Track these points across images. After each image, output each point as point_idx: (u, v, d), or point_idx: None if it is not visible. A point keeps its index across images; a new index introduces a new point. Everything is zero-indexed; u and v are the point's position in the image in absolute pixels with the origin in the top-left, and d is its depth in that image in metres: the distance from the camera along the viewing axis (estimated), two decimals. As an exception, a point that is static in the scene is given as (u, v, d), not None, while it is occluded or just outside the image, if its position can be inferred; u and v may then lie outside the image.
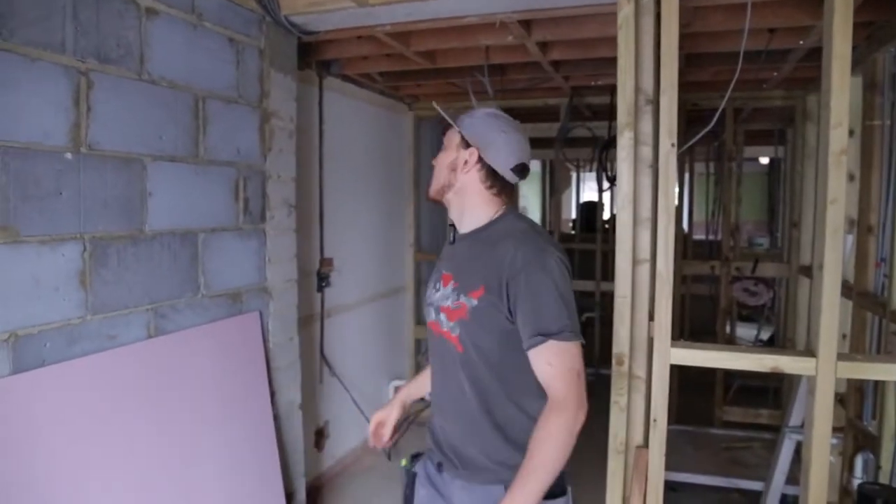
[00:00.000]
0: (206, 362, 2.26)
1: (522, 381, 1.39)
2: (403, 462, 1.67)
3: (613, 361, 1.81)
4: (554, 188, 7.90)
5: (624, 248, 1.76)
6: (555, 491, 1.33)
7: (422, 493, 1.58)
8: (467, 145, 1.48)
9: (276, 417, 2.63)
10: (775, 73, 3.44)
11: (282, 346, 2.74)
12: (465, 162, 1.47)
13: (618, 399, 1.81)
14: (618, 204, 1.78)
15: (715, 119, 2.03)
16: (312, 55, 3.28)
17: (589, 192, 10.34)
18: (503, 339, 1.39)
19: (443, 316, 1.48)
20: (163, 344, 2.10)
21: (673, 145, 1.70)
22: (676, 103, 1.68)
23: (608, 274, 6.39)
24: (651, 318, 1.76)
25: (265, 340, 2.61)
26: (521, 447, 1.33)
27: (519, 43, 2.91)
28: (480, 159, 1.47)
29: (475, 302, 1.39)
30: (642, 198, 1.82)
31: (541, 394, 1.36)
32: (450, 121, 1.53)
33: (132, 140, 1.98)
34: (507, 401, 1.42)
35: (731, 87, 1.96)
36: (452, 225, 1.57)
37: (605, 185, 4.38)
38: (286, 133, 2.75)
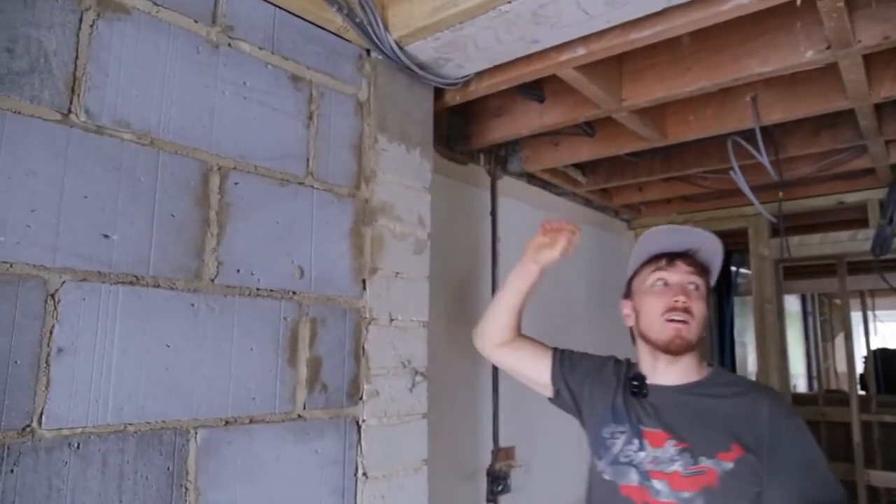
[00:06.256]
0: None
1: None
2: None
3: None
4: (837, 330, 5.87)
5: None
6: None
7: None
8: (707, 298, 1.35)
9: None
10: None
11: None
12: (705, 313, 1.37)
13: None
14: None
15: None
16: (473, 139, 2.20)
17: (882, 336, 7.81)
18: None
19: (662, 483, 1.26)
20: None
21: None
22: None
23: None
24: None
25: None
26: None
27: (829, 60, 1.54)
28: None
29: (729, 465, 1.22)
30: None
31: None
32: (709, 265, 1.38)
33: (23, 236, 0.95)
34: None
35: None
36: (638, 376, 1.39)
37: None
38: (409, 244, 1.60)
